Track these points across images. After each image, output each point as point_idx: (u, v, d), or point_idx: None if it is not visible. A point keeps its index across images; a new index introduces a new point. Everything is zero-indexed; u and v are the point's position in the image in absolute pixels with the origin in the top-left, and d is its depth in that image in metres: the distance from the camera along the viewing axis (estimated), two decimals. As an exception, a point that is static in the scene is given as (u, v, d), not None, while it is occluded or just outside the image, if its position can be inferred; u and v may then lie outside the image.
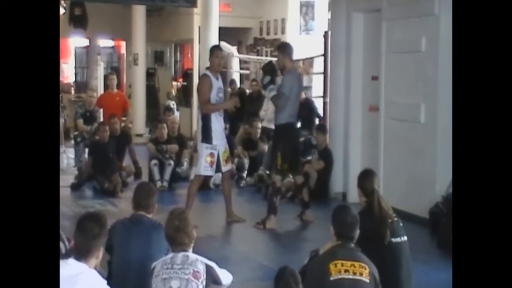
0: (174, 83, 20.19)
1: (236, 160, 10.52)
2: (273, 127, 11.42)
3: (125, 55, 21.23)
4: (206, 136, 7.89)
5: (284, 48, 8.22)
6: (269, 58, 13.65)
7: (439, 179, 7.71)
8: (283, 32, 16.31)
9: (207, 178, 9.31)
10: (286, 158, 7.97)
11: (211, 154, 7.89)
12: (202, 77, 8.10)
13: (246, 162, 10.75)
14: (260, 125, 11.09)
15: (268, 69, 8.19)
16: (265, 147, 10.58)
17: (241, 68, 16.56)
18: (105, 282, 3.57)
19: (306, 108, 10.69)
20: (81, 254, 3.55)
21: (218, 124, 7.95)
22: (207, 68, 8.07)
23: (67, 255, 3.87)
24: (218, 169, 8.08)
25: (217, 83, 7.94)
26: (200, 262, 4.05)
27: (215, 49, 8.17)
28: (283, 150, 7.96)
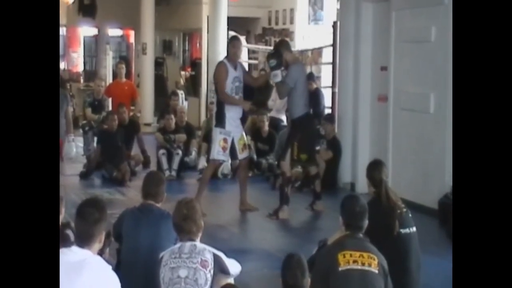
0: (183, 72, 20.21)
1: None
2: (281, 117, 11.52)
3: (133, 44, 21.24)
4: (220, 121, 7.98)
5: (281, 45, 8.28)
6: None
7: (448, 169, 7.63)
8: (291, 22, 16.24)
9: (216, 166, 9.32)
10: (304, 148, 7.99)
11: (225, 140, 7.93)
12: (218, 65, 8.20)
13: (253, 152, 10.73)
14: (265, 117, 10.99)
15: (275, 52, 8.17)
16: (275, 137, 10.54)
17: (249, 58, 16.52)
18: (110, 267, 3.60)
19: (315, 98, 10.65)
20: (84, 240, 3.59)
21: (233, 112, 7.98)
22: (226, 57, 8.22)
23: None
24: (234, 156, 8.18)
25: (234, 72, 7.94)
26: (207, 251, 4.05)
27: (232, 39, 8.49)
28: (301, 140, 7.96)
